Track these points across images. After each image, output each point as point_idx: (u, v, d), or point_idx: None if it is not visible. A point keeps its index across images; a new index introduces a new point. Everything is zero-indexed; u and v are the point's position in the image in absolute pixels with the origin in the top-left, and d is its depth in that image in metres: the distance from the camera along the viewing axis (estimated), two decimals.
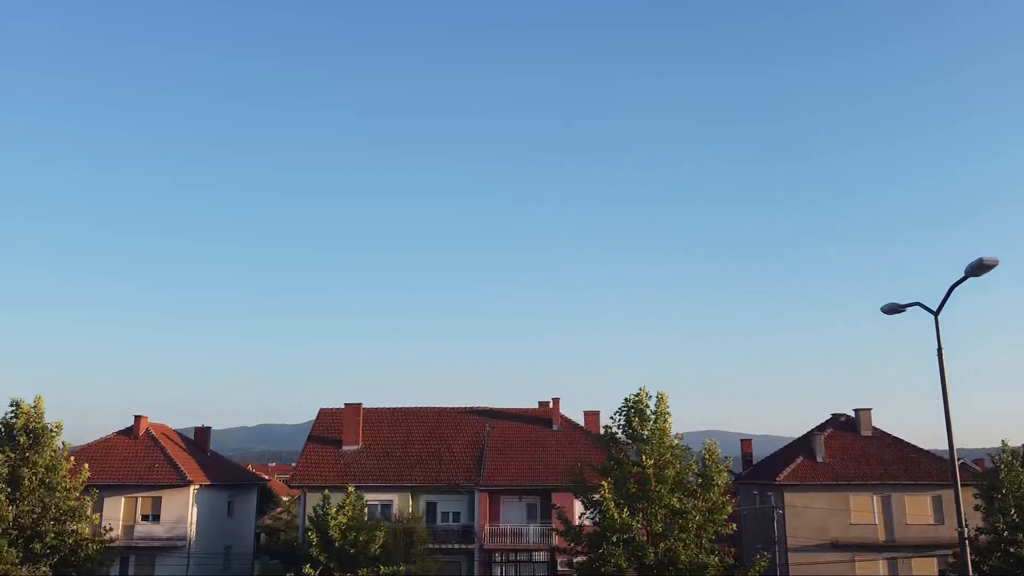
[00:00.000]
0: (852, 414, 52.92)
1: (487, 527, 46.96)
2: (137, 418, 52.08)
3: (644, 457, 30.75)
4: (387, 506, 47.40)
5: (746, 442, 58.16)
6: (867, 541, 47.18)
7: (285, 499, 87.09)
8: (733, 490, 65.58)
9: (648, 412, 32.22)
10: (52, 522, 31.50)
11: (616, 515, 29.65)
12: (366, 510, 41.75)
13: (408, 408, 54.37)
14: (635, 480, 31.10)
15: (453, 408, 54.22)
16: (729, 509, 31.27)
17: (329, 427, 52.37)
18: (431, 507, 48.18)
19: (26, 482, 31.44)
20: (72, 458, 34.19)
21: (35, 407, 33.35)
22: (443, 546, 45.82)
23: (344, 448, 50.24)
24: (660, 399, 32.44)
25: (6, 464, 31.40)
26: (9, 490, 31.38)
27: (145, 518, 47.39)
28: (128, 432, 51.86)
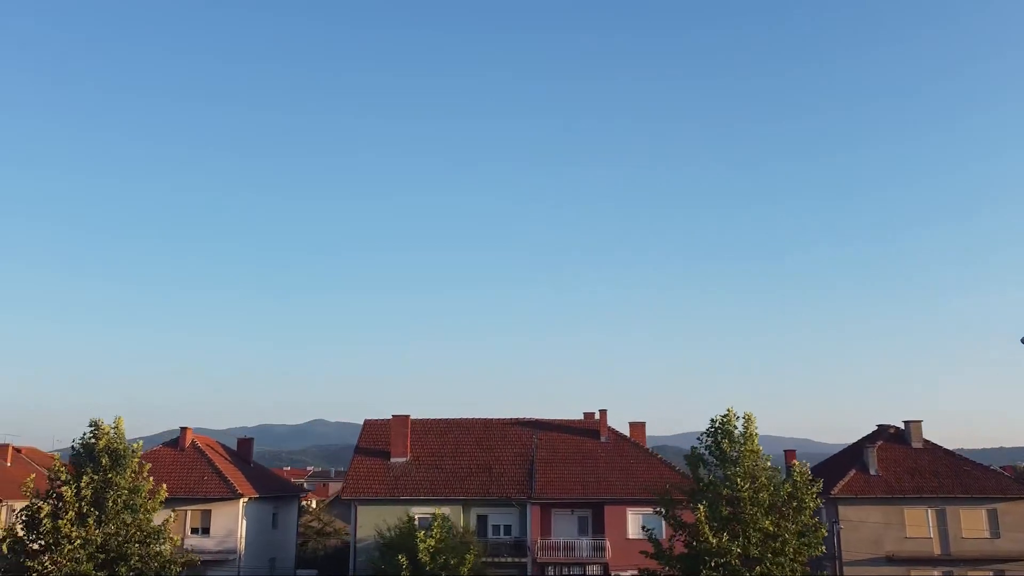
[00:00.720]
0: (902, 426, 52.61)
1: (539, 540, 46.64)
2: (183, 429, 51.76)
3: (738, 480, 30.42)
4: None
5: (790, 452, 57.76)
6: (922, 555, 46.84)
7: (313, 506, 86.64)
8: None
9: (736, 433, 31.91)
10: (136, 544, 31.12)
11: (712, 538, 29.33)
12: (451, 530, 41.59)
13: (454, 419, 53.99)
14: (727, 502, 30.78)
15: (499, 419, 53.84)
16: (824, 532, 31.02)
17: (375, 438, 51.98)
18: (482, 520, 47.87)
19: (111, 504, 31.05)
20: (152, 478, 33.79)
21: (116, 427, 32.94)
22: (495, 560, 45.55)
23: (393, 460, 49.85)
24: (748, 420, 32.12)
25: (90, 486, 30.99)
26: (97, 513, 30.99)
27: (195, 531, 47.06)
28: (174, 444, 51.53)
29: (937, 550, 47.13)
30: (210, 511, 47.32)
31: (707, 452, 32.34)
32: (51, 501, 31.86)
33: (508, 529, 47.83)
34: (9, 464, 66.33)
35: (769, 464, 31.95)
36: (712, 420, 32.12)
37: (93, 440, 32.26)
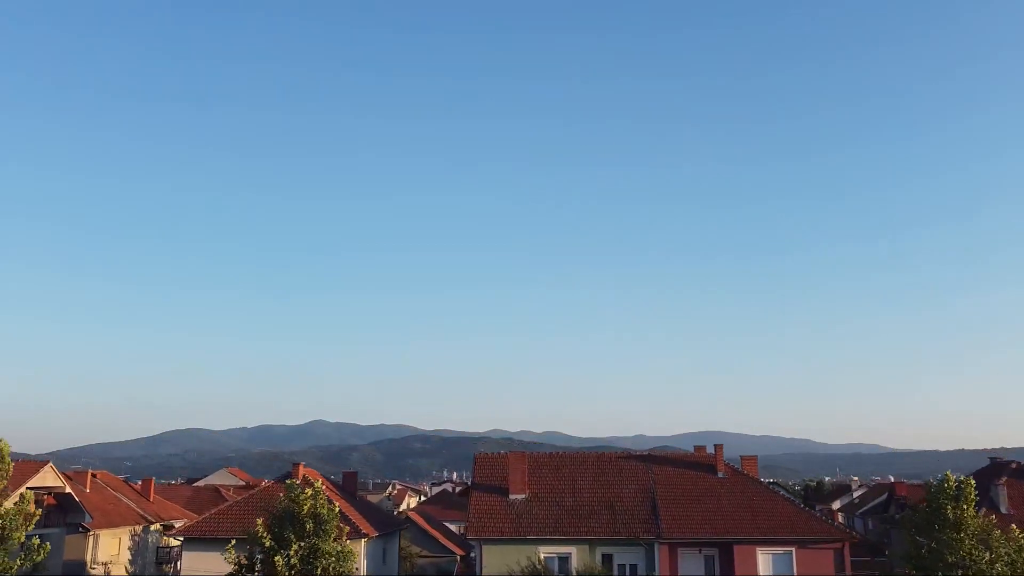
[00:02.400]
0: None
1: None
2: (295, 465, 50.99)
3: (971, 550, 29.80)
4: (565, 559, 46.33)
5: (899, 484, 57.33)
6: None
7: None
8: (883, 535, 64.80)
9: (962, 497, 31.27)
10: None
11: None
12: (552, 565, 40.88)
13: (566, 453, 53.37)
14: (947, 568, 30.17)
15: (611, 453, 53.27)
16: None
17: (489, 473, 51.26)
18: (607, 559, 47.10)
19: (319, 573, 30.14)
20: (349, 542, 32.96)
21: (316, 493, 31.96)
22: None
23: (512, 497, 49.12)
24: (966, 484, 31.48)
25: (298, 555, 30.07)
26: None
27: None
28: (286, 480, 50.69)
29: None
30: None
31: (922, 517, 31.70)
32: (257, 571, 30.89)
33: (634, 569, 47.10)
34: (88, 491, 65.66)
35: (998, 532, 31.34)
36: (928, 484, 31.59)
37: (294, 504, 31.27)
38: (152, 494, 73.46)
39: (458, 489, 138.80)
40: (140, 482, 78.70)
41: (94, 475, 68.86)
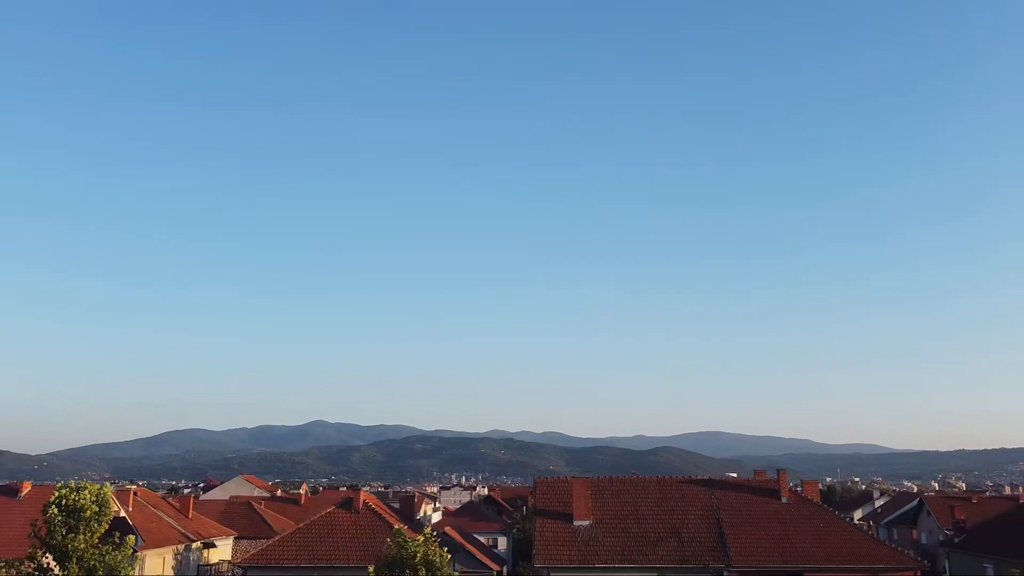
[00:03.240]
0: None
1: None
2: (355, 490, 50.46)
3: None
4: None
5: (959, 508, 56.91)
6: None
7: None
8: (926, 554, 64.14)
9: None
10: None
11: None
12: None
13: (626, 477, 52.84)
14: None
15: (673, 477, 52.76)
16: None
17: (550, 498, 50.72)
18: None
19: None
20: None
21: (428, 539, 31.40)
22: None
23: (576, 523, 48.59)
24: None
25: None
26: None
27: None
28: (347, 506, 50.18)
29: None
30: None
31: None
32: None
33: None
34: (131, 509, 65.17)
35: None
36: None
37: (403, 550, 30.74)
38: (191, 510, 72.89)
39: (482, 497, 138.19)
40: (175, 497, 78.10)
41: (135, 492, 68.30)
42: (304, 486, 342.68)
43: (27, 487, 49.82)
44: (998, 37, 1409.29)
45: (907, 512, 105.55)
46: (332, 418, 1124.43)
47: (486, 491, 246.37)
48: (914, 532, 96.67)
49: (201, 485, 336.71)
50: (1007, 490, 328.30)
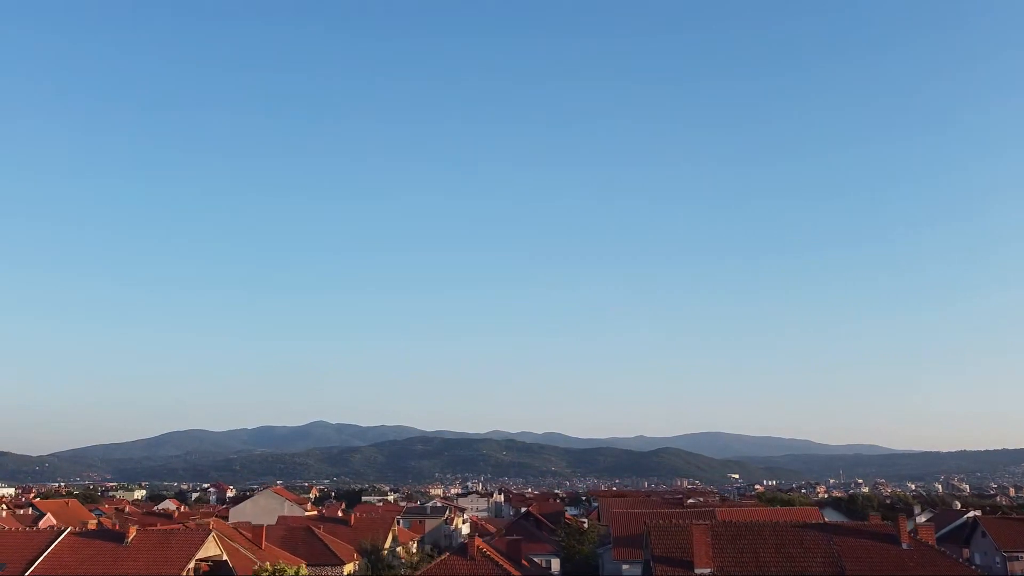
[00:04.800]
0: None
1: None
2: (471, 537, 49.50)
3: None
4: None
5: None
6: None
7: None
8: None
9: None
10: None
11: None
12: None
13: (741, 522, 51.96)
14: None
15: (789, 521, 51.88)
16: None
17: (666, 544, 49.76)
18: None
19: None
20: None
21: None
22: None
23: (698, 571, 47.66)
24: None
25: None
26: None
27: None
28: (462, 552, 49.26)
29: None
30: None
31: None
32: None
33: None
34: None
35: None
36: None
37: None
38: (263, 541, 71.87)
39: (523, 510, 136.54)
40: (247, 527, 76.96)
41: (212, 526, 67.23)
42: (314, 491, 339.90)
43: (133, 531, 48.41)
44: (1000, 38, 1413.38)
45: (957, 530, 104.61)
46: (333, 419, 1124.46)
47: (502, 498, 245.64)
48: (965, 551, 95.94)
49: (210, 489, 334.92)
50: (1012, 492, 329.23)
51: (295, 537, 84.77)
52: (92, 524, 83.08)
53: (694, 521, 49.21)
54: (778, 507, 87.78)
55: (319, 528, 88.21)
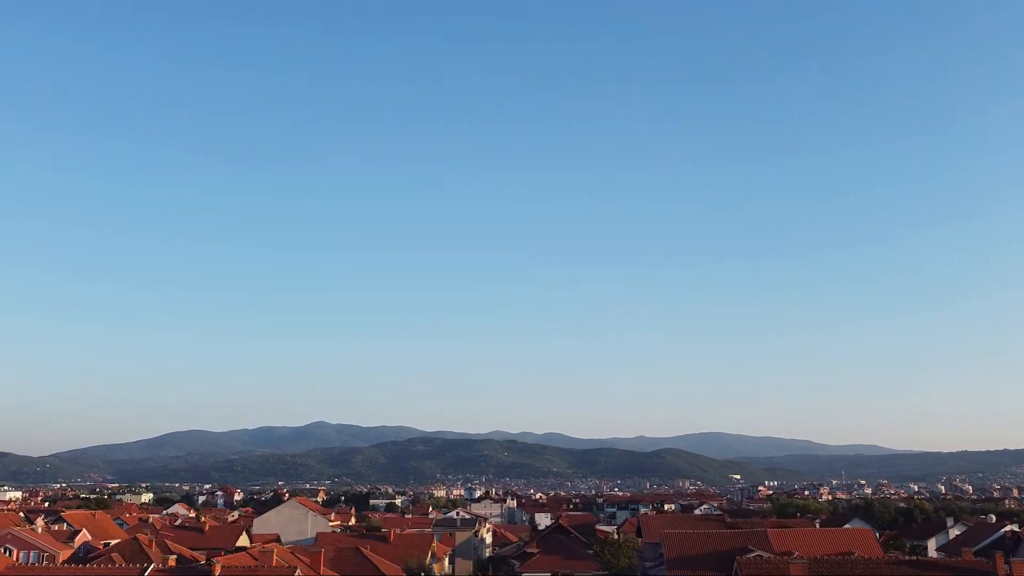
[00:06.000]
0: None
1: None
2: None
3: None
4: None
5: None
6: None
7: None
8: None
9: None
10: None
11: None
12: None
13: (833, 559, 51.25)
14: None
15: (880, 560, 51.19)
16: None
17: None
18: None
19: None
20: None
21: None
22: None
23: None
24: None
25: None
26: None
27: None
28: None
29: None
30: None
31: None
32: None
33: None
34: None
35: None
36: None
37: None
38: (322, 566, 71.14)
39: (550, 525, 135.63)
40: (303, 552, 76.21)
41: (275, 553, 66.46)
42: (321, 494, 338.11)
43: (218, 571, 47.47)
44: (1000, 38, 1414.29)
45: (995, 544, 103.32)
46: (333, 419, 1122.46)
47: (515, 503, 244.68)
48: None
49: (217, 492, 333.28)
50: (1015, 493, 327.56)
51: (343, 558, 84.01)
52: (114, 540, 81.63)
53: (790, 559, 48.48)
54: (829, 528, 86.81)
55: (366, 548, 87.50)
